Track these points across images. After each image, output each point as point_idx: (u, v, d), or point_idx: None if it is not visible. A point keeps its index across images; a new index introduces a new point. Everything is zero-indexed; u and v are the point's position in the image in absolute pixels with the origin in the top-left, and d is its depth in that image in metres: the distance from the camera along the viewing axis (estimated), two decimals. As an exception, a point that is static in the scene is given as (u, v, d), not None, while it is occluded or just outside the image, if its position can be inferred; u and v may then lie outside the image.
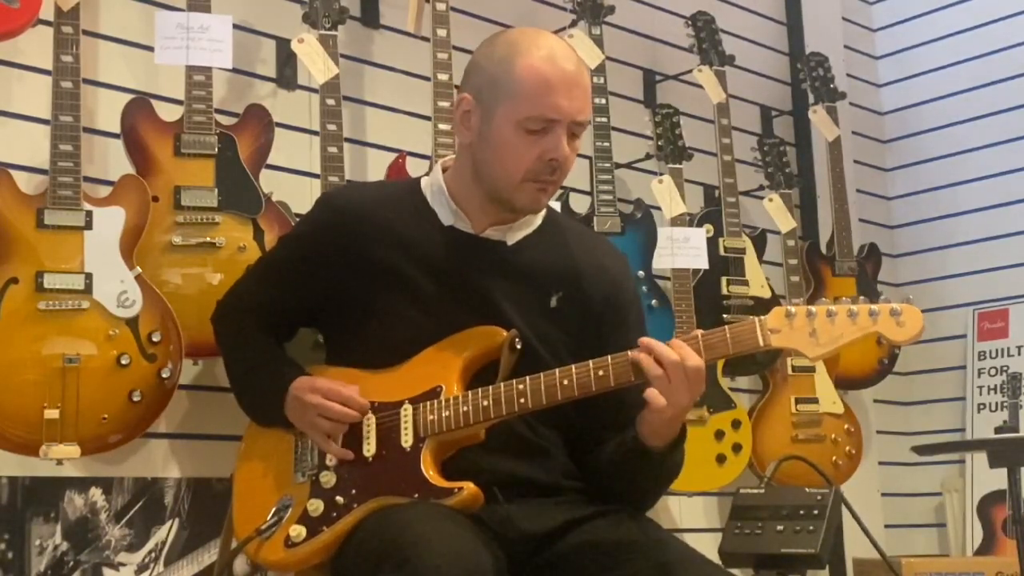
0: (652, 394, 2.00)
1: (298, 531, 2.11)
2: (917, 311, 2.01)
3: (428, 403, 2.11)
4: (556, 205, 3.04)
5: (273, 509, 2.14)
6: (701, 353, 2.01)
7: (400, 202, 2.28)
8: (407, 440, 2.10)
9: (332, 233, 2.25)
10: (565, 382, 2.05)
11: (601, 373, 2.05)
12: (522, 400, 2.06)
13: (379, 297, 2.20)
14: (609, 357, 2.05)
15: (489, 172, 2.17)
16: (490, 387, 2.09)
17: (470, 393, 2.10)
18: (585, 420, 2.21)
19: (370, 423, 2.15)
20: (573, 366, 2.07)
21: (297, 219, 2.88)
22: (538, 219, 2.28)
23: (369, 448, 2.13)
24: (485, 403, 2.07)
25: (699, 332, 2.05)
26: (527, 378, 2.08)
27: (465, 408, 2.08)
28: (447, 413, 2.09)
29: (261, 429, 2.32)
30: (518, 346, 2.12)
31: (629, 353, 2.04)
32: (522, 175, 2.14)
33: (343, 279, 2.23)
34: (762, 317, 2.02)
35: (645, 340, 2.04)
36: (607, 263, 2.32)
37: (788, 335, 2.00)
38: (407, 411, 2.13)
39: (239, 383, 2.39)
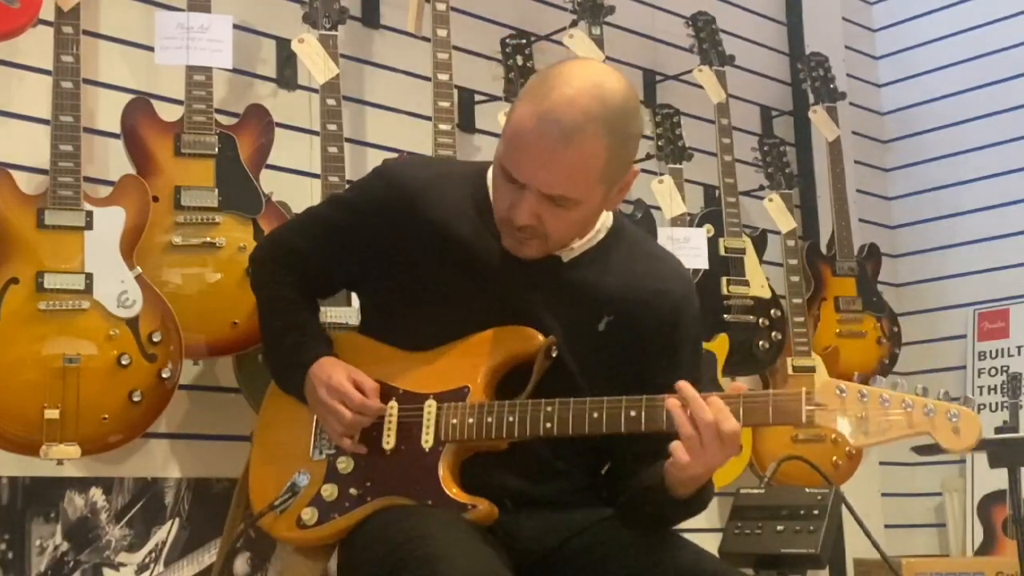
0: (677, 449, 1.89)
1: (310, 514, 2.10)
2: (976, 418, 1.86)
3: (453, 404, 2.05)
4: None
5: (288, 484, 2.13)
6: (740, 417, 1.90)
7: (461, 192, 2.12)
8: (427, 440, 2.05)
9: (380, 211, 2.12)
10: (595, 415, 1.96)
11: (633, 414, 1.95)
12: (548, 425, 1.98)
13: (418, 292, 2.12)
14: (644, 399, 1.95)
15: None
16: (517, 402, 2.01)
17: (496, 404, 2.02)
18: (618, 449, 2.12)
19: (392, 413, 2.09)
20: (605, 400, 1.96)
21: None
22: (601, 232, 2.12)
23: (388, 440, 2.08)
24: (510, 419, 2.00)
25: (742, 392, 1.92)
26: (556, 402, 1.99)
27: (489, 420, 2.01)
28: (471, 420, 2.02)
29: (282, 396, 2.24)
30: (554, 354, 2.04)
31: (666, 400, 1.92)
32: (498, 216, 2.04)
33: (385, 260, 2.13)
34: (809, 391, 1.89)
35: (682, 386, 1.91)
36: (669, 288, 2.13)
37: (835, 416, 1.87)
38: (431, 408, 2.07)
39: (267, 341, 2.31)
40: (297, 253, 2.25)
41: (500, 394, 2.07)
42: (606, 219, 2.14)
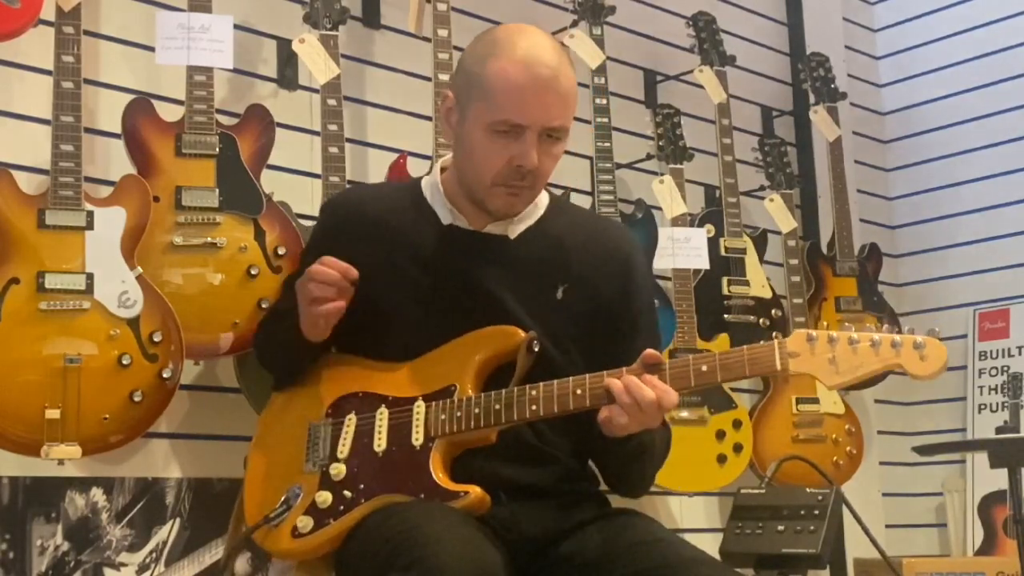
0: (615, 414, 1.98)
1: (305, 522, 2.12)
2: (941, 346, 1.96)
3: (441, 402, 2.11)
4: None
5: (282, 497, 2.15)
6: (717, 373, 1.98)
7: (400, 202, 2.27)
8: (417, 438, 2.10)
9: (334, 238, 2.26)
10: (578, 392, 2.03)
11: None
12: (533, 407, 2.05)
13: (382, 298, 2.20)
14: (624, 370, 2.02)
15: (464, 173, 2.18)
16: (503, 391, 2.07)
17: (482, 396, 2.08)
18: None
19: (382, 417, 2.15)
20: (587, 376, 2.04)
21: (298, 219, 2.89)
22: (541, 209, 2.25)
23: (379, 443, 2.13)
24: (496, 407, 2.06)
25: (717, 352, 2.00)
26: (540, 385, 2.06)
27: (476, 410, 2.07)
28: (459, 414, 2.08)
29: (275, 417, 2.31)
30: (535, 348, 2.09)
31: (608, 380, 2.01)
32: (491, 179, 2.13)
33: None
34: (782, 339, 1.97)
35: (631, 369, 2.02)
36: (616, 247, 2.28)
37: (807, 361, 1.95)
38: (420, 408, 2.12)
39: (270, 362, 2.41)
40: (283, 312, 2.33)
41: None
42: (542, 197, 2.26)
